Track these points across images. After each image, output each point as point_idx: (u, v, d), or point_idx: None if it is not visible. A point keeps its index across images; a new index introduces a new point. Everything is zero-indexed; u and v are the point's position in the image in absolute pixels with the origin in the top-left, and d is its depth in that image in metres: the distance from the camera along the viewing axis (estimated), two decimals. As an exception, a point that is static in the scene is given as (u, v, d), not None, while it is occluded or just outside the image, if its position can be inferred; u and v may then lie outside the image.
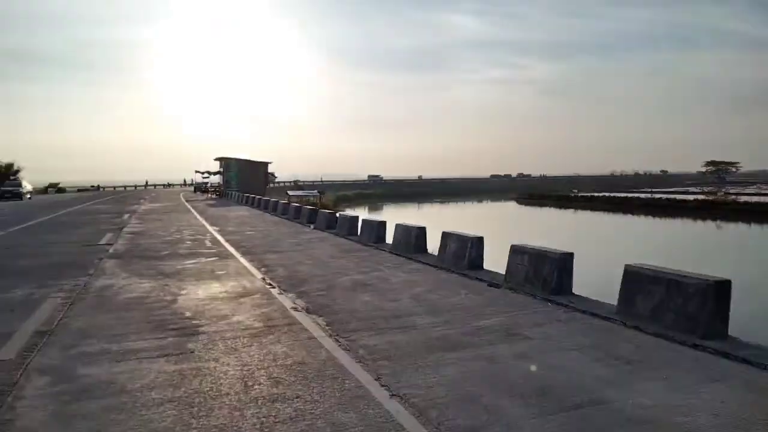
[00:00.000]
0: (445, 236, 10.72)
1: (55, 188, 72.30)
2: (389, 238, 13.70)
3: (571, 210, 56.27)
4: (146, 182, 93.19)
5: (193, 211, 27.74)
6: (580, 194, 66.95)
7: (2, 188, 47.88)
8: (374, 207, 66.27)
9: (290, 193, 51.52)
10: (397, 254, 12.05)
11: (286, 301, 7.63)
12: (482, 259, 10.01)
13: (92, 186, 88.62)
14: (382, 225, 14.60)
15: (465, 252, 10.00)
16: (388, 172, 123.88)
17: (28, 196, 46.22)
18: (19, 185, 46.60)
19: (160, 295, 8.05)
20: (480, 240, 10.02)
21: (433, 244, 11.94)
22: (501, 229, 32.57)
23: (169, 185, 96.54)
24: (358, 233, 15.43)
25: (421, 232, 12.30)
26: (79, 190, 74.86)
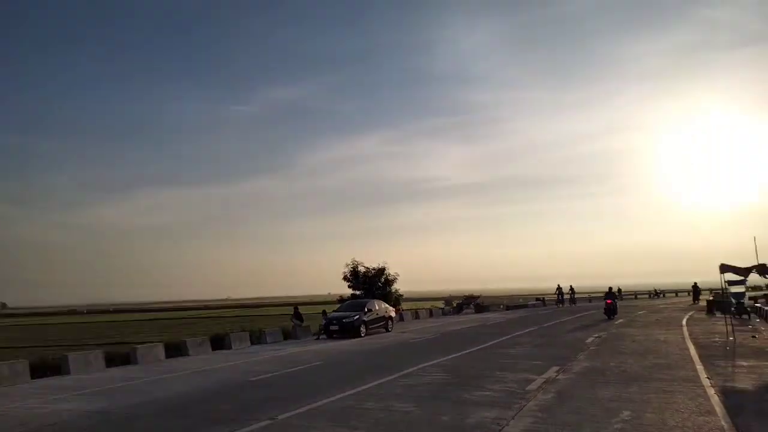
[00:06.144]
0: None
1: (471, 304, 44.55)
2: None
3: None
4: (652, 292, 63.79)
5: None
6: None
7: (327, 316, 24.46)
8: None
9: None
10: None
11: None
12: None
13: (537, 298, 56.34)
14: None
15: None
16: None
17: (388, 328, 25.54)
18: (361, 308, 24.23)
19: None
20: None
21: None
22: None
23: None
24: None
25: None
26: (507, 308, 46.70)
